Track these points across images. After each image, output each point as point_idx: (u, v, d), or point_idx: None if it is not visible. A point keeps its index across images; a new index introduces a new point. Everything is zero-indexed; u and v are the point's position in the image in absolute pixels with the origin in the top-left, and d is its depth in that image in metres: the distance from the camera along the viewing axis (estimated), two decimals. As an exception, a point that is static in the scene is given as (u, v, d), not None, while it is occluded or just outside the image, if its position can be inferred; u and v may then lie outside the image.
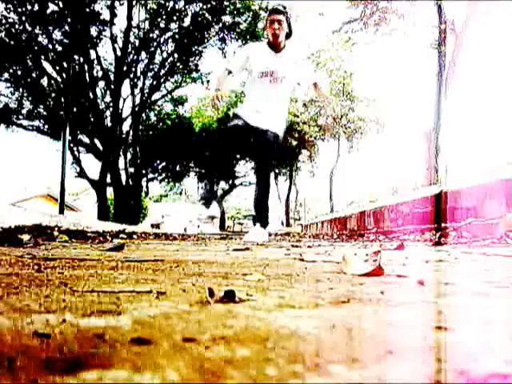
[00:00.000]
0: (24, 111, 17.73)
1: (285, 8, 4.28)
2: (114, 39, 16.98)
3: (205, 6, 16.96)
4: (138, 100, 18.56)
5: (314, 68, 4.85)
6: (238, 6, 17.34)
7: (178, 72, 19.31)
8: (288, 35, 4.38)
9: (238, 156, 28.23)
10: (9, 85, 17.10)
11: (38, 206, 26.59)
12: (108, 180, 17.28)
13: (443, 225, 4.92)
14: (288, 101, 4.55)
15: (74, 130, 16.44)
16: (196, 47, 18.12)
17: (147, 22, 17.75)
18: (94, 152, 17.48)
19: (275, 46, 4.33)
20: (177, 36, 17.79)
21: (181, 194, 50.38)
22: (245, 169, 32.43)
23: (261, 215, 4.47)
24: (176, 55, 18.29)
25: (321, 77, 4.32)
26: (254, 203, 4.56)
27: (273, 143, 4.44)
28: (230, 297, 0.71)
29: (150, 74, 18.63)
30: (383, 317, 0.61)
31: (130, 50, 17.32)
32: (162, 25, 17.68)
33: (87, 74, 16.60)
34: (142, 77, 18.42)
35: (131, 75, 17.95)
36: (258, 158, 4.55)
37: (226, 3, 16.99)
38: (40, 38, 15.79)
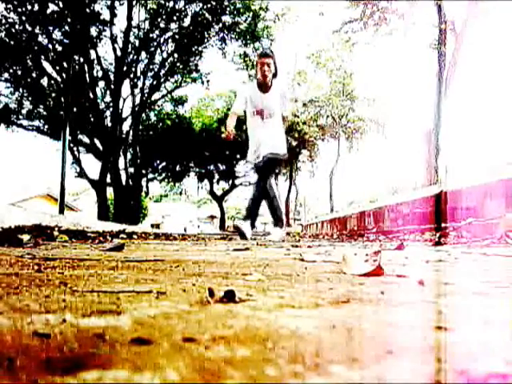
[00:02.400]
0: (24, 111, 17.71)
1: (272, 52, 5.07)
2: (114, 39, 16.97)
3: (205, 6, 16.94)
4: (138, 100, 18.56)
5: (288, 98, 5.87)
6: (238, 6, 17.33)
7: (178, 72, 19.30)
8: (274, 75, 5.06)
9: (238, 156, 28.29)
10: (9, 85, 17.09)
11: (38, 206, 26.61)
12: (108, 180, 17.27)
13: (443, 225, 4.92)
14: (282, 126, 5.25)
15: (74, 130, 16.43)
16: (196, 47, 18.11)
17: (147, 22, 17.75)
18: (94, 152, 17.47)
19: (264, 86, 5.07)
20: (177, 36, 17.78)
21: (181, 193, 50.38)
22: (245, 169, 32.43)
23: (280, 216, 5.16)
24: (176, 55, 18.28)
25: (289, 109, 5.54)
26: (269, 206, 5.20)
27: (279, 160, 5.26)
28: (229, 297, 0.71)
29: (150, 74, 18.63)
30: (383, 317, 0.61)
31: (130, 50, 17.31)
32: (162, 25, 17.67)
33: (87, 74, 16.58)
34: (141, 77, 18.42)
35: (131, 75, 17.94)
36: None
37: (226, 3, 16.97)
38: (40, 38, 15.78)
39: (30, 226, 4.18)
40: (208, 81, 19.92)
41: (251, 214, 5.07)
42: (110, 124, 17.27)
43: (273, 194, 5.13)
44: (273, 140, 5.07)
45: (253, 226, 5.08)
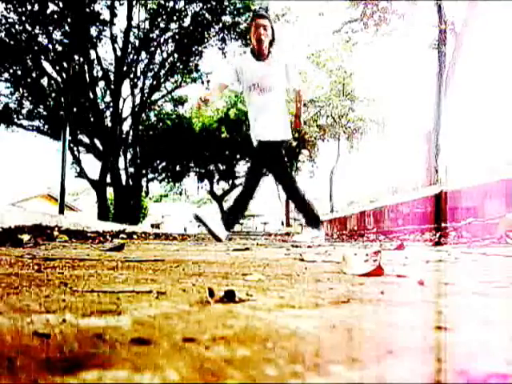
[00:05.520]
0: (24, 111, 17.72)
1: (267, 12, 4.30)
2: (114, 39, 16.97)
3: (205, 6, 16.95)
4: (138, 100, 18.56)
5: (300, 77, 4.85)
6: (238, 6, 17.33)
7: (178, 72, 19.29)
8: (271, 42, 4.28)
9: (238, 156, 28.28)
10: (9, 85, 17.09)
11: (38, 206, 26.62)
12: (108, 180, 17.27)
13: (443, 225, 4.92)
14: (284, 104, 4.45)
15: (74, 130, 16.43)
16: (196, 47, 18.10)
17: (147, 22, 17.75)
18: (94, 152, 17.47)
19: (260, 54, 4.26)
20: (177, 36, 17.78)
21: (181, 194, 50.34)
22: (245, 169, 32.42)
23: (310, 216, 4.36)
24: (176, 55, 18.28)
25: (304, 88, 4.38)
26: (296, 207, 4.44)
27: (278, 151, 4.33)
28: (230, 297, 0.71)
29: (150, 74, 18.62)
30: (383, 317, 0.61)
31: (130, 50, 17.31)
32: (162, 25, 17.67)
33: (87, 74, 16.58)
34: (142, 77, 18.42)
35: (131, 75, 17.95)
36: (273, 170, 4.42)
37: (225, 3, 16.98)
38: (40, 38, 15.77)
39: (30, 225, 4.18)
40: (208, 81, 19.90)
41: (232, 210, 4.26)
42: (110, 124, 17.27)
43: (299, 190, 4.32)
44: (271, 121, 4.25)
45: (230, 226, 4.22)
